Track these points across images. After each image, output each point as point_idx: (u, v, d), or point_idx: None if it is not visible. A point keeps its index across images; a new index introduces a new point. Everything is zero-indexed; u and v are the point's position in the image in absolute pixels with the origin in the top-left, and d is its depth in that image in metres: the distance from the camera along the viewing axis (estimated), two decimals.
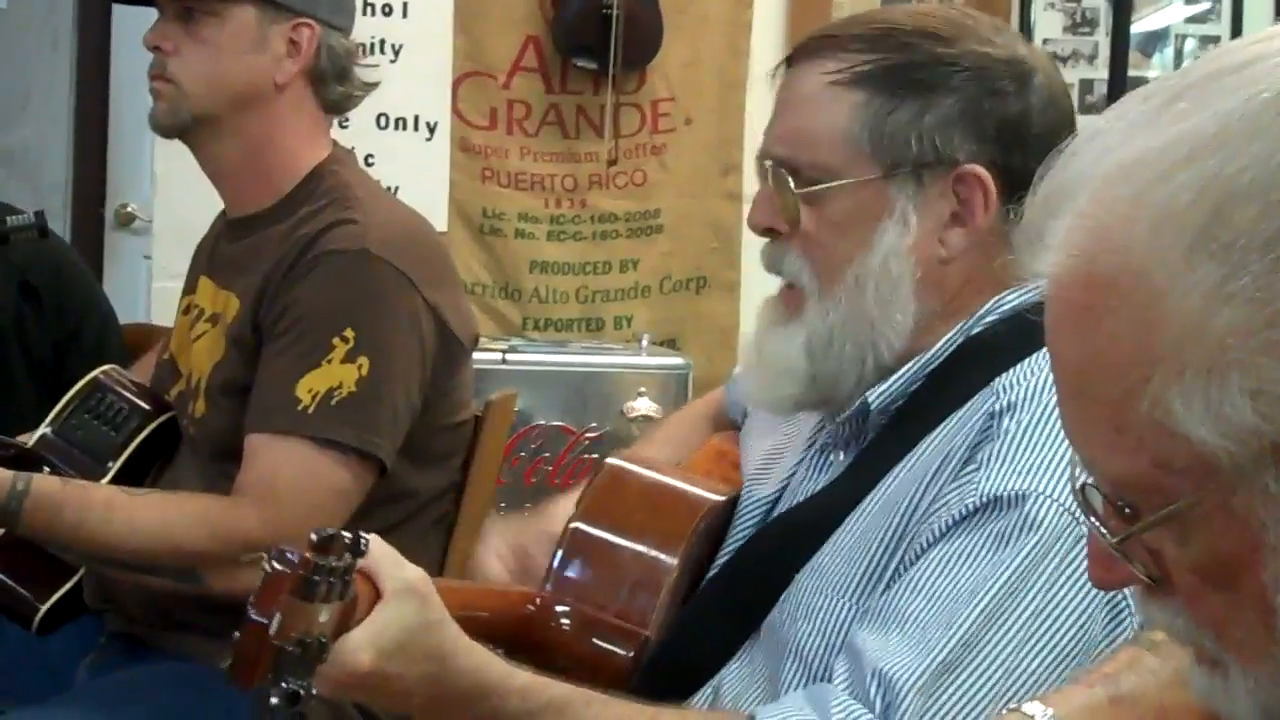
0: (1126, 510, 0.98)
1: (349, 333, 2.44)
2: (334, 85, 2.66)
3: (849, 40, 1.79)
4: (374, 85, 2.74)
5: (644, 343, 4.54)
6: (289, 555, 1.48)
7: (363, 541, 1.50)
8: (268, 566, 1.49)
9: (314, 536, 1.47)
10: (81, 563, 2.57)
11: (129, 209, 5.67)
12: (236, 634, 1.49)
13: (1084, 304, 0.96)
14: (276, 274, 2.49)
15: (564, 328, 4.70)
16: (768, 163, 1.82)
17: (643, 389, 4.31)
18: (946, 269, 1.78)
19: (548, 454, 4.27)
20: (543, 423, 4.28)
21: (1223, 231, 0.90)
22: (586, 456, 4.27)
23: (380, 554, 1.60)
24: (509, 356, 4.29)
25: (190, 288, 2.76)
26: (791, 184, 1.79)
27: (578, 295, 4.71)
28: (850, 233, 1.78)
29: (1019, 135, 1.77)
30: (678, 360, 4.44)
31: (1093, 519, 1.01)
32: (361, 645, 1.55)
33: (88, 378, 2.66)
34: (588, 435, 4.28)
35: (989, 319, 1.78)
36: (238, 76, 2.59)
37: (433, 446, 2.61)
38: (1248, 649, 0.97)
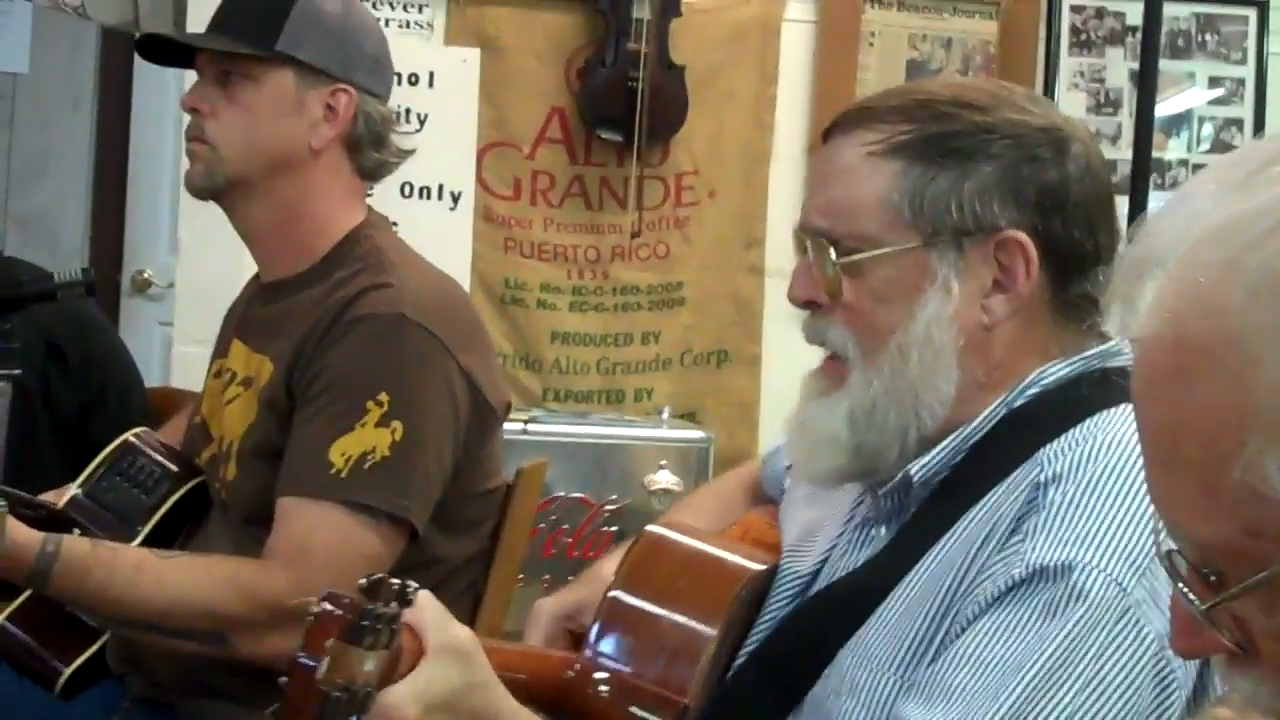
0: (1212, 577, 0.97)
1: (383, 397, 2.43)
2: (370, 152, 2.66)
3: (886, 112, 1.80)
4: (410, 152, 2.75)
5: (664, 415, 4.52)
6: (340, 598, 1.48)
7: (410, 590, 1.50)
8: (318, 608, 1.49)
9: (363, 581, 1.47)
10: (109, 627, 2.55)
11: (145, 275, 5.68)
12: (283, 679, 1.49)
13: (1175, 367, 0.95)
14: (311, 338, 2.49)
15: (584, 399, 4.69)
16: (806, 236, 1.82)
17: (663, 462, 4.29)
18: (989, 336, 1.77)
19: (567, 525, 4.25)
20: (562, 494, 4.26)
21: None
22: (605, 529, 4.25)
23: (429, 609, 1.60)
24: (530, 427, 4.28)
25: (222, 351, 2.75)
26: (833, 254, 1.78)
27: (599, 366, 4.70)
28: (893, 301, 1.77)
29: (1058, 202, 1.77)
30: (699, 434, 4.42)
31: (1180, 585, 1.00)
32: (406, 700, 1.55)
33: (119, 440, 2.65)
34: (607, 508, 4.26)
35: (1031, 391, 1.77)
36: (274, 140, 2.60)
37: (463, 513, 2.60)
38: None
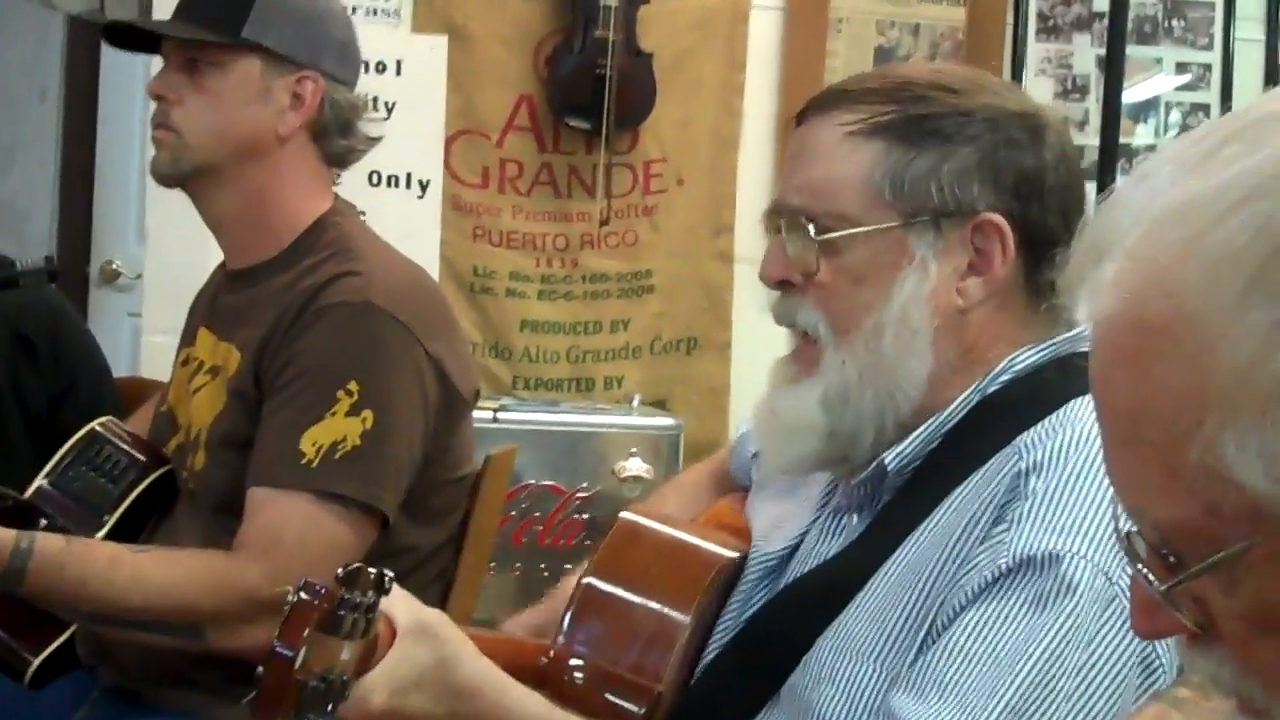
0: (1171, 559, 0.97)
1: (353, 385, 2.43)
2: (337, 139, 2.65)
3: (864, 93, 1.80)
4: (377, 140, 2.74)
5: (635, 403, 4.53)
6: (317, 588, 1.48)
7: (387, 578, 1.50)
8: (294, 597, 1.49)
9: (340, 571, 1.47)
10: (83, 623, 2.54)
11: (114, 265, 5.66)
12: (260, 669, 1.49)
13: (1135, 348, 0.96)
14: (279, 327, 2.48)
15: (554, 387, 4.69)
16: (781, 216, 1.82)
17: (633, 449, 4.29)
18: (964, 319, 1.77)
19: (538, 514, 4.25)
20: (533, 482, 4.26)
21: (1278, 274, 0.90)
22: (576, 516, 4.26)
23: (396, 595, 1.60)
24: (500, 415, 4.28)
25: (189, 339, 2.74)
26: (811, 231, 1.78)
27: (568, 355, 4.70)
28: (869, 281, 1.77)
29: (1035, 187, 1.77)
30: (668, 421, 4.43)
31: (1139, 566, 1.00)
32: (375, 685, 1.57)
33: (85, 430, 2.64)
34: (578, 495, 4.26)
35: (1004, 377, 1.78)
36: (240, 127, 2.59)
37: (433, 502, 2.60)
38: None
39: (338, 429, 2.42)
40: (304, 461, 2.41)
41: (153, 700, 2.59)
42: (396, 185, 4.55)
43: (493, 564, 4.08)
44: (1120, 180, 1.02)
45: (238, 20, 2.58)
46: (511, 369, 4.67)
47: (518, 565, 4.20)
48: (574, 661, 1.86)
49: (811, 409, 1.80)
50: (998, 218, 1.76)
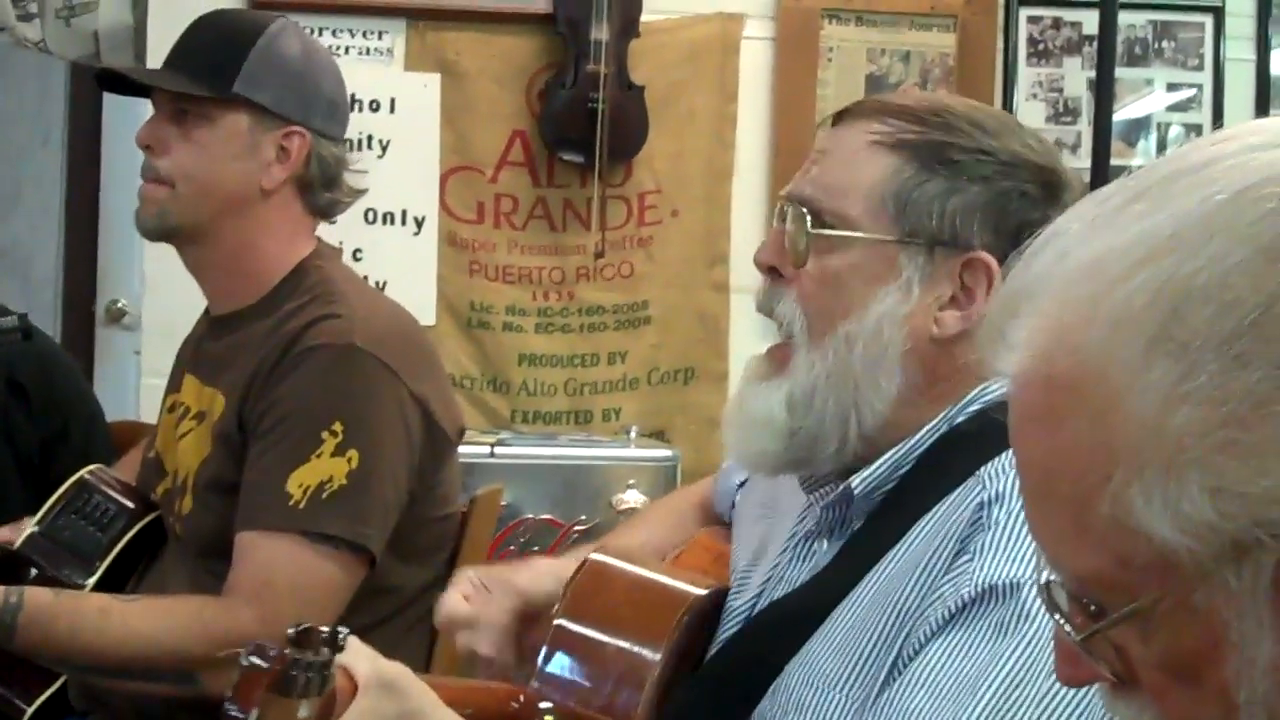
0: (1093, 608, 0.99)
1: (338, 426, 2.45)
2: (322, 192, 2.67)
3: (900, 110, 1.83)
4: (363, 191, 2.76)
5: (632, 434, 4.54)
6: (268, 650, 1.49)
7: (340, 635, 1.51)
8: (245, 661, 1.49)
9: (291, 631, 1.48)
10: (76, 675, 2.56)
11: (119, 305, 5.67)
12: None
13: (1045, 405, 0.97)
14: (262, 370, 2.50)
15: (552, 420, 4.70)
16: (788, 203, 1.85)
17: (632, 481, 4.30)
18: (936, 349, 1.78)
19: (537, 547, 4.25)
20: (531, 516, 4.27)
21: (1179, 331, 0.91)
22: (589, 553, 4.25)
23: (356, 648, 1.61)
24: (497, 450, 4.29)
25: (175, 386, 2.76)
26: (808, 222, 1.81)
27: (566, 387, 4.71)
28: (851, 287, 1.79)
29: None
30: (666, 452, 4.43)
31: (1057, 616, 1.02)
32: None
33: (74, 478, 2.67)
34: (577, 528, 4.26)
35: (972, 408, 1.79)
36: (226, 181, 2.61)
37: (419, 541, 2.61)
38: None
39: (323, 470, 2.44)
40: (291, 503, 2.43)
41: None
42: (392, 222, 4.57)
43: None
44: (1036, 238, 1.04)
45: (229, 74, 2.60)
46: (510, 403, 4.68)
47: None
48: (544, 705, 1.87)
49: (776, 407, 1.82)
50: (991, 259, 1.77)
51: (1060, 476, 0.97)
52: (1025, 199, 1.80)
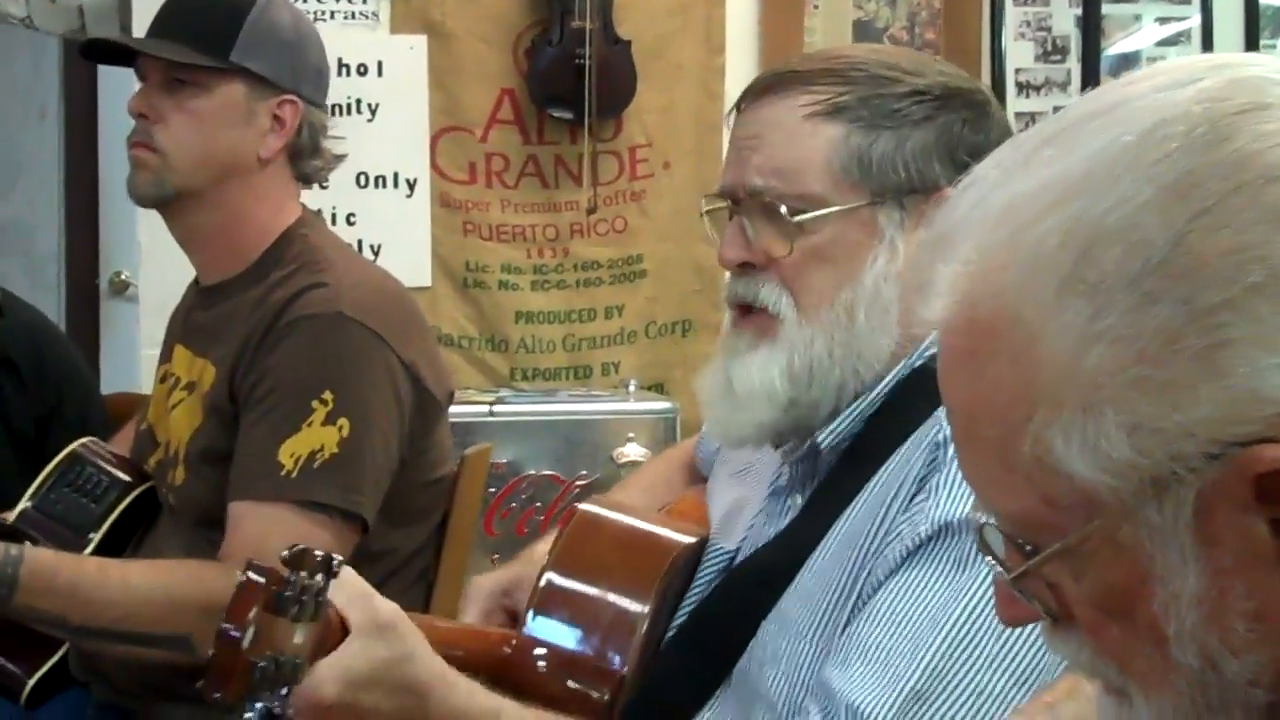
0: (1027, 547, 1.00)
1: (328, 395, 2.45)
2: (310, 159, 2.68)
3: (817, 74, 1.82)
4: (343, 157, 2.77)
5: (631, 388, 4.55)
6: (264, 568, 1.50)
7: (335, 561, 1.52)
8: (241, 577, 1.50)
9: (285, 553, 1.49)
10: (73, 639, 2.57)
11: (123, 276, 5.68)
12: (211, 650, 1.50)
13: (967, 349, 0.99)
14: (251, 341, 2.51)
15: (552, 377, 4.72)
16: (741, 197, 1.82)
17: (631, 434, 4.31)
18: None
19: (539, 504, 4.28)
20: (533, 473, 4.29)
21: (1090, 272, 0.92)
22: (577, 504, 4.27)
23: (351, 585, 1.63)
24: (496, 408, 4.30)
25: (166, 356, 2.77)
26: (784, 212, 1.79)
27: (564, 344, 4.73)
28: (839, 260, 1.79)
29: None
30: (665, 404, 4.45)
31: (990, 558, 1.03)
32: (326, 678, 1.58)
33: (66, 451, 2.68)
34: (578, 483, 4.28)
35: (930, 351, 1.78)
36: (224, 150, 2.61)
37: (411, 504, 2.63)
38: (1148, 678, 0.98)
39: (314, 439, 2.45)
40: (283, 473, 2.44)
41: (145, 715, 2.62)
42: (384, 185, 4.58)
43: (496, 555, 4.12)
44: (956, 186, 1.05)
45: (226, 43, 2.60)
46: (509, 361, 4.69)
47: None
48: (537, 650, 1.88)
49: (773, 376, 1.80)
50: None
51: (984, 419, 0.98)
52: (966, 125, 1.80)
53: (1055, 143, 0.98)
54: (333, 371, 2.47)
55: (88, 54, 2.90)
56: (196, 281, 2.77)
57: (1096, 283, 0.92)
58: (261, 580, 1.49)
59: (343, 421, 2.45)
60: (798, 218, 1.79)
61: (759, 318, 1.83)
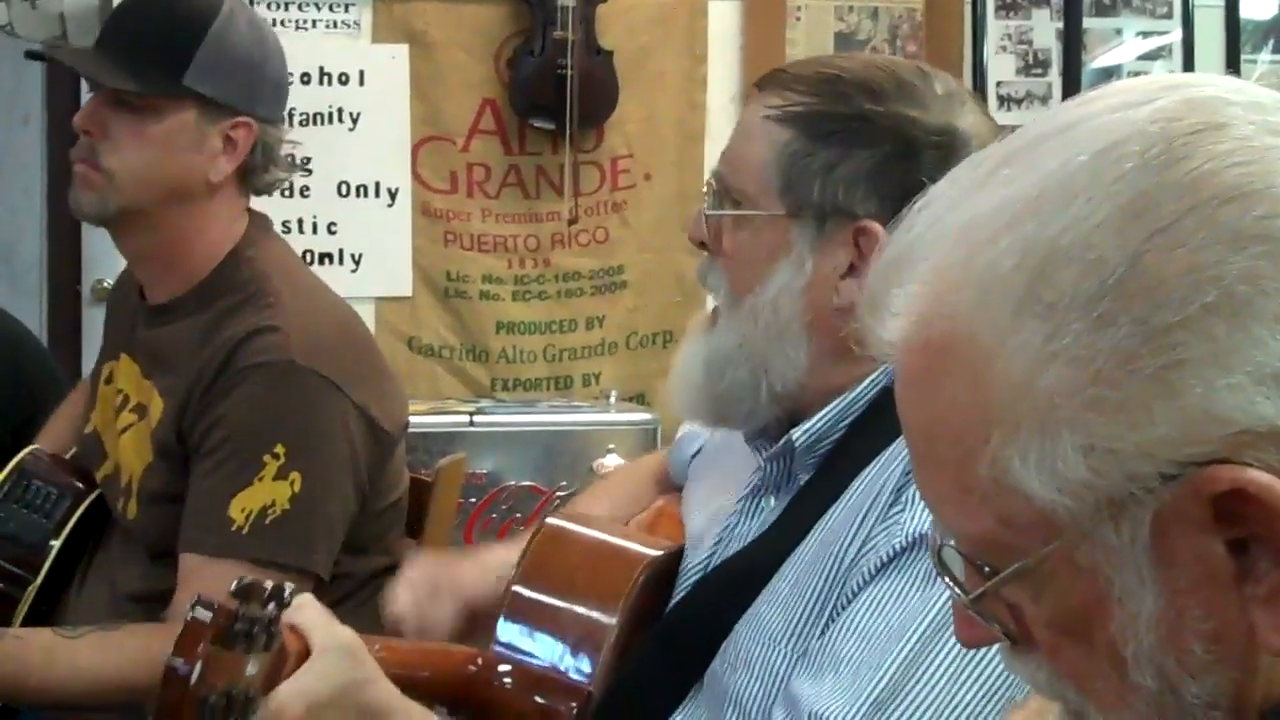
0: (986, 569, 1.00)
1: (279, 449, 2.40)
2: (262, 175, 2.62)
3: (794, 80, 1.83)
4: (298, 168, 2.72)
5: (612, 399, 4.55)
6: (212, 603, 1.48)
7: (286, 591, 1.51)
8: (189, 614, 1.48)
9: (234, 585, 1.47)
10: (24, 708, 2.54)
11: (105, 284, 5.66)
12: (160, 686, 1.49)
13: (923, 369, 0.98)
14: (201, 384, 2.45)
15: (532, 387, 4.72)
16: (712, 179, 1.87)
17: (611, 445, 4.32)
18: (842, 316, 1.75)
19: (519, 514, 4.28)
20: (513, 483, 4.29)
21: (1046, 292, 0.92)
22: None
23: (311, 611, 1.63)
24: (476, 419, 4.30)
25: (111, 354, 2.71)
26: (708, 202, 1.84)
27: (545, 354, 4.73)
28: (753, 263, 1.81)
29: None
30: (645, 416, 4.46)
31: (947, 579, 1.03)
32: (291, 699, 1.57)
33: (13, 463, 2.64)
34: (558, 494, 4.28)
35: None
36: (172, 175, 2.53)
37: (367, 532, 2.57)
38: (1106, 699, 0.98)
39: (266, 494, 2.40)
40: (234, 529, 2.39)
41: None
42: (365, 195, 4.58)
43: None
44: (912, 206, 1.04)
45: (179, 67, 2.52)
46: (489, 371, 4.69)
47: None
48: (502, 668, 1.88)
49: (695, 364, 1.87)
50: (877, 226, 1.76)
51: (940, 440, 0.98)
52: (910, 162, 1.77)
53: (1011, 163, 0.98)
54: (285, 424, 2.42)
55: (41, 58, 2.85)
56: (140, 289, 2.70)
57: (1052, 303, 0.92)
58: (209, 616, 1.47)
59: (294, 475, 2.40)
60: (714, 211, 1.84)
61: (716, 311, 1.89)
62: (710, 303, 4.32)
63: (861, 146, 1.78)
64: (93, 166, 2.53)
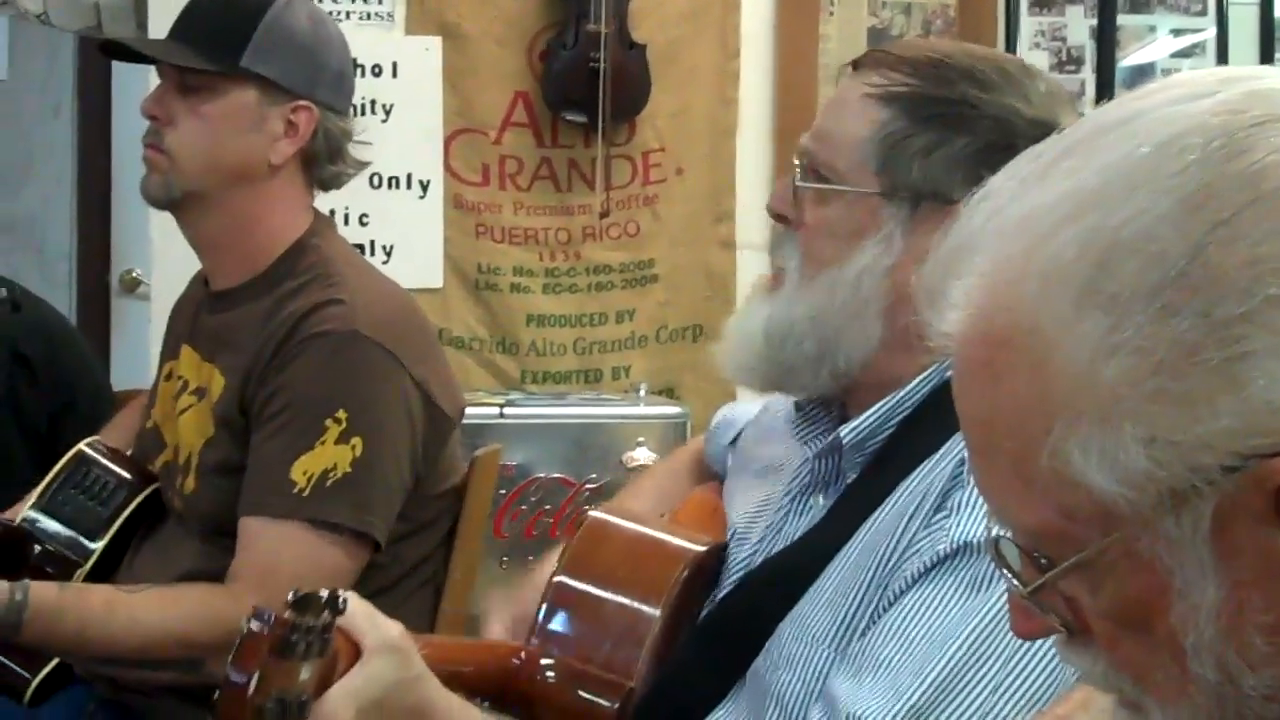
0: (1043, 561, 1.00)
1: (341, 414, 2.45)
2: (326, 165, 2.66)
3: (899, 61, 1.84)
4: (366, 164, 2.76)
5: (641, 392, 4.55)
6: (267, 614, 1.49)
7: (341, 599, 1.52)
8: (245, 626, 1.50)
9: (290, 596, 1.49)
10: (84, 666, 2.57)
11: (135, 274, 5.69)
12: (217, 694, 1.50)
13: (984, 360, 0.98)
14: (264, 355, 2.50)
15: (562, 380, 4.71)
16: (798, 154, 1.88)
17: (641, 439, 4.31)
18: None
19: (548, 506, 4.28)
20: (542, 475, 4.29)
21: (1108, 284, 0.92)
22: (587, 508, 4.26)
23: (359, 611, 1.62)
24: (506, 410, 4.30)
25: (172, 353, 2.76)
26: (797, 175, 1.85)
27: (575, 347, 4.73)
28: (838, 238, 1.82)
29: None
30: (675, 409, 4.45)
31: (1005, 571, 1.03)
32: (341, 701, 1.58)
33: (72, 452, 2.67)
34: (588, 486, 4.28)
35: None
36: (233, 155, 2.60)
37: (421, 515, 2.62)
38: (1165, 690, 0.98)
39: (327, 457, 2.44)
40: (295, 491, 2.43)
41: (147, 712, 2.62)
42: (397, 186, 4.58)
43: (505, 558, 4.13)
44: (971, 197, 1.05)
45: (237, 48, 2.59)
46: (519, 364, 4.69)
47: (530, 558, 4.22)
48: (545, 661, 1.88)
49: (755, 328, 1.87)
50: None
51: (1001, 431, 0.98)
52: (1011, 152, 1.77)
53: (1072, 155, 0.98)
54: (347, 390, 2.47)
55: (109, 53, 2.91)
56: (205, 280, 2.76)
57: (1114, 295, 0.92)
58: (266, 629, 1.49)
59: (356, 441, 2.45)
60: (803, 184, 1.84)
61: (778, 276, 1.88)
62: (742, 300, 4.33)
63: (963, 132, 1.79)
64: (158, 150, 2.59)
